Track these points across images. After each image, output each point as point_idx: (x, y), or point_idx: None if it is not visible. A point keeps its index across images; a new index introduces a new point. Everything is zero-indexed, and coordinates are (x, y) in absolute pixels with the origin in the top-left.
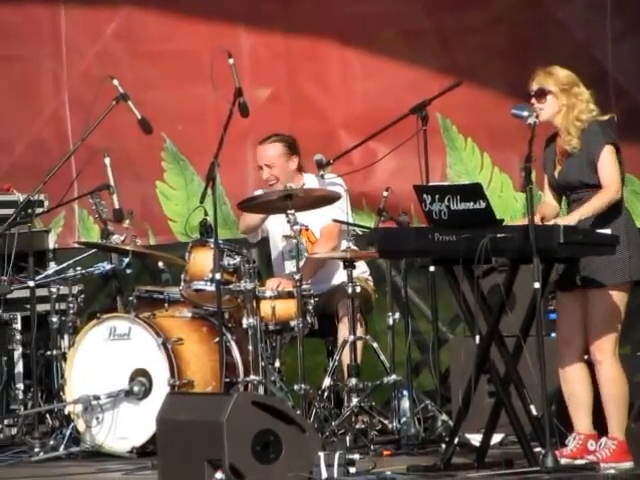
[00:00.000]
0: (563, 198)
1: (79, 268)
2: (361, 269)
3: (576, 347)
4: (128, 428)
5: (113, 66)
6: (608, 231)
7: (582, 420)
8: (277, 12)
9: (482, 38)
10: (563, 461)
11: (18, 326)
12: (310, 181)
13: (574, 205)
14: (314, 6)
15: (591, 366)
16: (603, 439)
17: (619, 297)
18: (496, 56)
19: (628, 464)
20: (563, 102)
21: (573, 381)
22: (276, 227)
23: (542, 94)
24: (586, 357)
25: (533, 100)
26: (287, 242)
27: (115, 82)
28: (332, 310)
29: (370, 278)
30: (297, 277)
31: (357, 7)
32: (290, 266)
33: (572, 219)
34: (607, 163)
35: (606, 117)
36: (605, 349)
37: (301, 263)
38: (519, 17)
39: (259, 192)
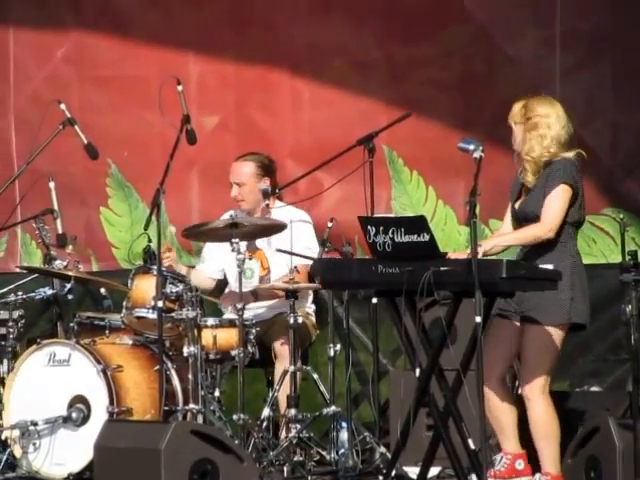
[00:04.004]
0: None
1: (20, 293)
2: (306, 303)
3: (497, 371)
4: (65, 454)
5: (61, 90)
6: (550, 266)
7: (508, 441)
8: (228, 40)
9: (432, 71)
10: None
11: None
12: (279, 209)
13: None
14: (265, 35)
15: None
16: (537, 475)
17: (555, 336)
18: (445, 89)
19: None
20: (521, 135)
21: (495, 405)
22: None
23: (510, 129)
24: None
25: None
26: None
27: (62, 106)
28: (270, 341)
29: (313, 314)
30: (239, 306)
31: (308, 37)
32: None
33: (489, 244)
34: (554, 200)
35: (571, 154)
36: (534, 387)
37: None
38: (469, 51)
39: (229, 213)
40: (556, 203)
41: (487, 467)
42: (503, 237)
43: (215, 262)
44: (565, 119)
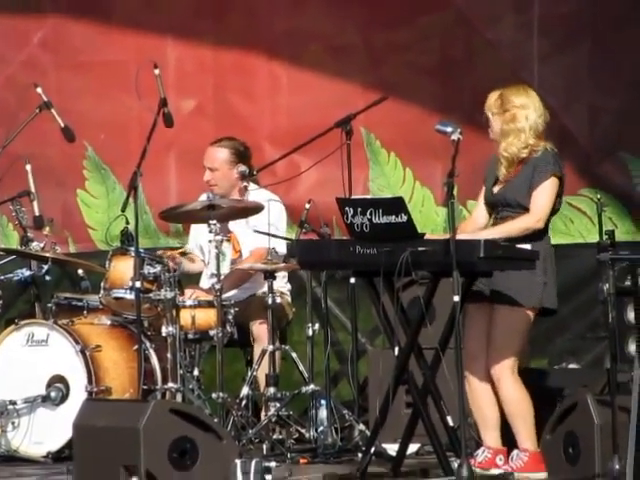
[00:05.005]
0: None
1: None
2: (280, 282)
3: (482, 361)
4: (44, 433)
5: (38, 74)
6: (528, 246)
7: (490, 435)
8: (206, 25)
9: (410, 55)
10: (477, 471)
11: None
12: (253, 192)
13: (499, 222)
14: (244, 20)
15: None
16: (515, 451)
17: (526, 319)
18: (423, 74)
19: (542, 474)
20: (498, 127)
21: (480, 397)
22: (205, 237)
23: (486, 119)
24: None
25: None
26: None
27: (39, 90)
28: (247, 321)
29: (288, 293)
30: (217, 286)
31: (286, 22)
32: (208, 277)
33: (479, 237)
34: (544, 192)
35: (552, 145)
36: (503, 367)
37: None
38: (448, 36)
39: (205, 195)
40: (546, 194)
41: (466, 444)
42: (492, 230)
43: (197, 246)
44: (542, 108)
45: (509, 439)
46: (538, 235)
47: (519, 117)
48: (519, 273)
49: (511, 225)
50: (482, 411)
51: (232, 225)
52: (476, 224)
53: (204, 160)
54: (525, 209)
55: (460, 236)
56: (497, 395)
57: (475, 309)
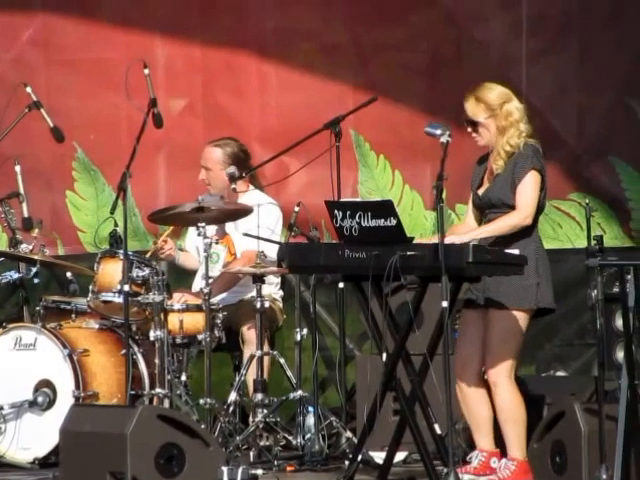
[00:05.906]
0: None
1: None
2: (272, 288)
3: (474, 367)
4: (31, 439)
5: (27, 73)
6: (516, 251)
7: (483, 438)
8: (196, 23)
9: (399, 55)
10: (466, 478)
11: None
12: (249, 196)
13: None
14: (233, 19)
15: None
16: (503, 460)
17: (521, 321)
18: (412, 74)
19: None
20: (494, 127)
21: (472, 402)
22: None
23: (474, 125)
24: (486, 377)
25: (469, 129)
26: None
27: (28, 89)
28: (238, 325)
29: (280, 299)
30: (206, 290)
31: (276, 21)
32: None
33: (466, 237)
34: (526, 188)
35: (533, 140)
36: (500, 371)
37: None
38: (436, 36)
39: (201, 197)
40: (530, 189)
41: (453, 452)
42: (480, 230)
43: (194, 246)
44: None
45: (502, 440)
46: (528, 235)
47: (511, 109)
48: (510, 277)
49: (500, 223)
50: (474, 414)
51: (228, 227)
52: (469, 228)
53: (201, 159)
54: (510, 207)
55: (449, 239)
56: (491, 399)
57: (471, 314)
